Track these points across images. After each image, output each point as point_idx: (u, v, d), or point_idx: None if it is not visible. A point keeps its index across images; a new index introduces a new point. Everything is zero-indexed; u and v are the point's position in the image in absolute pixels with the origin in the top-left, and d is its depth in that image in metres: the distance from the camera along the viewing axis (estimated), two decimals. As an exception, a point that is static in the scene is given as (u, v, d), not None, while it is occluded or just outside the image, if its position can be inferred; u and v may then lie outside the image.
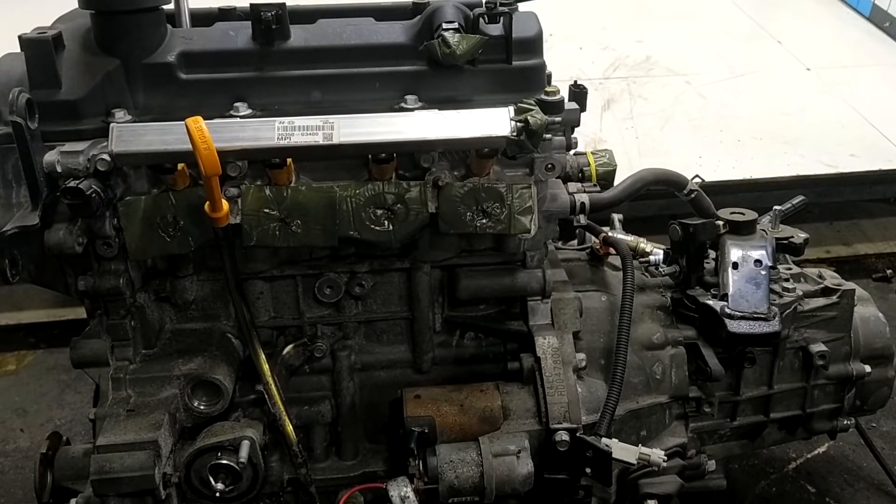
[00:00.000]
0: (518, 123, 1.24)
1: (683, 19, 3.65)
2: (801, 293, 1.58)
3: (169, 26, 1.33)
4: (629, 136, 2.84)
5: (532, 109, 1.24)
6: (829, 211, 3.07)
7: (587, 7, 3.74)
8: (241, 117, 1.28)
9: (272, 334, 1.49)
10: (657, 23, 3.60)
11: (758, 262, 1.48)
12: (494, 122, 1.25)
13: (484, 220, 1.33)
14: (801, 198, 1.77)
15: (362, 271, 1.45)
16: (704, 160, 2.74)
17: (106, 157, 1.20)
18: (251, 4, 1.29)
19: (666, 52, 3.32)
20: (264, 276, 1.44)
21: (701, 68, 3.27)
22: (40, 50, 1.19)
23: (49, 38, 1.20)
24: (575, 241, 1.82)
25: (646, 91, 3.10)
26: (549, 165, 1.35)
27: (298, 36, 1.33)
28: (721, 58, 3.39)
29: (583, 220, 1.47)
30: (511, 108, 1.26)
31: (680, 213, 1.68)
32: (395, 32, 1.35)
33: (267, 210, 1.28)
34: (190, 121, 1.08)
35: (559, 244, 1.74)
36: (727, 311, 1.47)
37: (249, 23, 1.31)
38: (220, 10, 1.45)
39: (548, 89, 1.33)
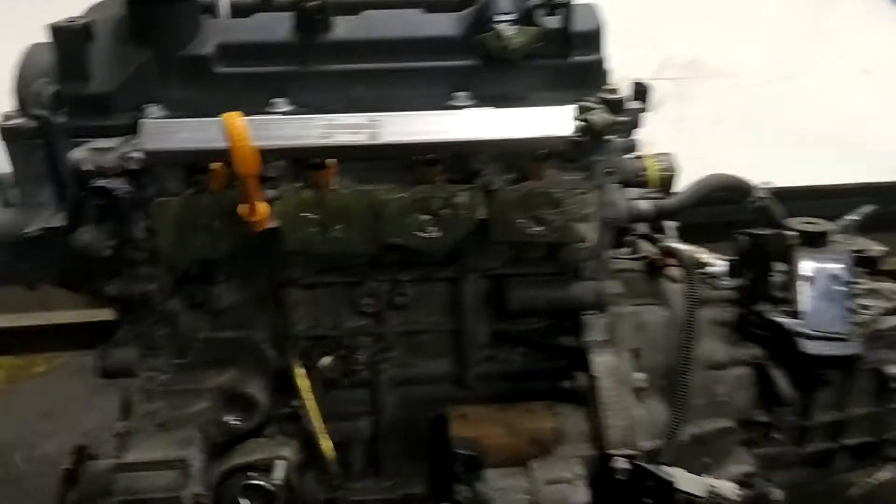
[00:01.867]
0: (580, 123, 1.15)
1: (732, 19, 3.53)
2: (878, 310, 1.46)
3: (206, 17, 1.25)
4: (678, 139, 2.72)
5: (595, 108, 1.15)
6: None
7: (631, 6, 3.62)
8: (281, 114, 1.20)
9: (309, 345, 1.41)
10: (705, 22, 3.48)
11: (834, 276, 1.37)
12: (554, 121, 1.16)
13: (538, 228, 1.24)
14: (869, 206, 1.65)
15: (405, 280, 1.37)
16: (757, 165, 2.58)
17: (138, 154, 1.13)
18: (295, -6, 1.21)
19: (715, 53, 3.19)
20: (301, 284, 1.36)
21: (752, 69, 3.13)
22: (70, 39, 1.13)
23: (80, 26, 1.13)
24: (625, 250, 1.72)
25: (695, 92, 2.98)
26: (610, 169, 1.26)
27: (342, 28, 1.25)
28: (773, 58, 3.25)
29: (643, 228, 1.38)
30: (572, 107, 1.17)
31: (734, 220, 1.57)
32: (444, 25, 1.26)
33: (306, 214, 1.20)
34: (227, 116, 1.00)
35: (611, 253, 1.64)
36: (801, 330, 1.36)
37: (290, 14, 1.23)
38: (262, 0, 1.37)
39: (608, 87, 1.23)
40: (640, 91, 1.30)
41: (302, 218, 1.20)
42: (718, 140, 2.74)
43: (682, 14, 3.54)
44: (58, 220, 1.08)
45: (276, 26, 1.24)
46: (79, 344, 2.42)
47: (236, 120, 1.00)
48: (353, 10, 1.28)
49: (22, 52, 1.20)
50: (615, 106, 1.19)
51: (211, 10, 1.33)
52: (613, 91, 1.22)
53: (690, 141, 2.74)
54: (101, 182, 1.10)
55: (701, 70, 3.09)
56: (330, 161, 1.20)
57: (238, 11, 1.33)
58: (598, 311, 1.39)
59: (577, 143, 1.15)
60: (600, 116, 1.13)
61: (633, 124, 1.28)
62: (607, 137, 1.16)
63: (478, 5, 1.24)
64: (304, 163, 1.19)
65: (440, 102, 1.23)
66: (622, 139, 1.28)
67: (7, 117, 1.13)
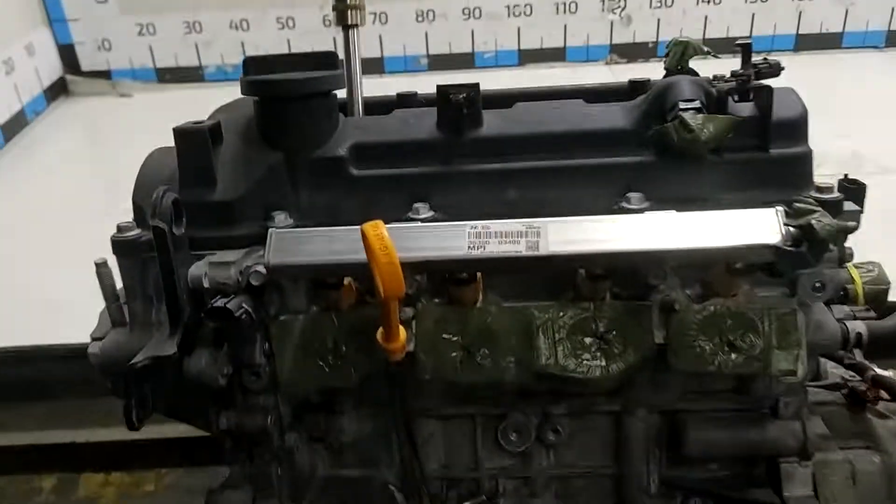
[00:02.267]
0: (793, 230, 0.92)
1: (894, 110, 3.23)
2: None
3: (341, 115, 1.13)
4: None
5: (815, 212, 0.92)
6: None
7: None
8: (422, 220, 1.04)
9: (441, 486, 1.22)
10: (863, 116, 3.20)
11: None
12: (758, 226, 0.94)
13: (732, 356, 1.01)
14: None
15: (558, 413, 1.17)
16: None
17: (261, 269, 0.99)
18: (438, 87, 1.07)
19: (877, 147, 2.90)
20: (436, 415, 1.18)
21: (921, 163, 2.82)
22: (194, 142, 1.02)
23: (205, 128, 1.02)
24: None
25: (857, 190, 2.69)
26: (818, 284, 1.02)
27: (492, 123, 1.09)
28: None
29: (857, 355, 1.12)
30: (780, 210, 0.95)
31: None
32: (612, 116, 1.08)
33: (447, 336, 1.04)
34: (369, 227, 0.84)
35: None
36: None
37: (432, 109, 1.09)
38: (399, 96, 1.25)
39: (820, 185, 1.01)
40: (855, 189, 1.06)
41: (442, 341, 1.04)
42: (891, 243, 2.42)
43: (836, 108, 3.28)
44: (168, 348, 0.94)
45: (418, 123, 1.10)
46: (191, 460, 2.30)
47: (380, 230, 0.83)
48: (505, 102, 1.12)
49: (143, 158, 1.10)
50: (832, 208, 0.97)
51: (344, 108, 1.21)
52: (827, 189, 1.00)
53: (858, 244, 2.43)
54: (219, 302, 0.95)
55: (862, 165, 2.80)
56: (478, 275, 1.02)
57: (374, 108, 1.21)
58: (802, 458, 1.14)
59: (791, 253, 0.92)
60: (823, 221, 0.91)
61: (853, 230, 1.04)
62: (830, 247, 0.92)
63: (654, 92, 1.06)
64: (446, 277, 1.02)
65: (610, 205, 1.04)
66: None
67: (121, 229, 1.02)
